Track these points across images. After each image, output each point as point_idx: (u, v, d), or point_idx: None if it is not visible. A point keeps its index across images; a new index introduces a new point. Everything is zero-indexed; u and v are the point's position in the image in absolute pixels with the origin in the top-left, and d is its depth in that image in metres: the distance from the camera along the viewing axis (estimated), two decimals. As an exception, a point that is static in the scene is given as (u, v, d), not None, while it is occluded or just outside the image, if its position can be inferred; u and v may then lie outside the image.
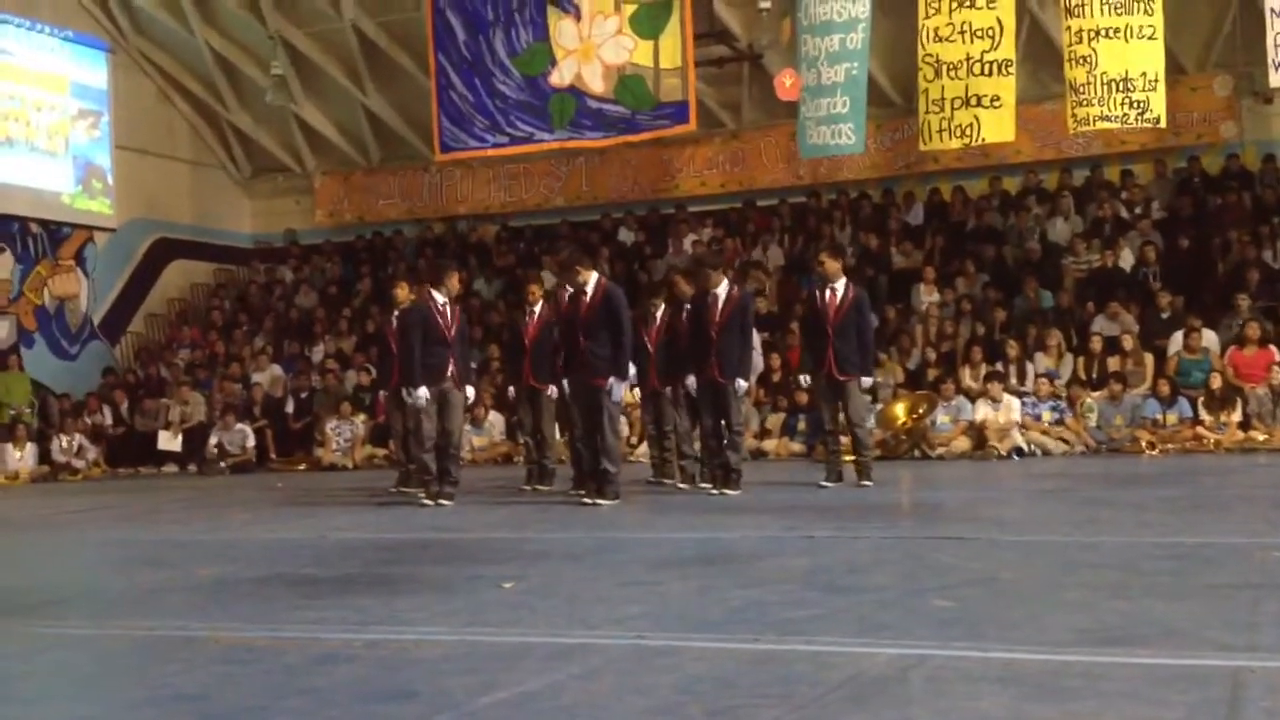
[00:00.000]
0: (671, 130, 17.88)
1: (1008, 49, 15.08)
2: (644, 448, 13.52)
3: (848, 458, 10.94)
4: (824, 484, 10.53)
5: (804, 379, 11.36)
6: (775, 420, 15.67)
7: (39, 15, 19.91)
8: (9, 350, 19.31)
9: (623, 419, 14.25)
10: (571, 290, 10.13)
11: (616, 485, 9.67)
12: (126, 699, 3.99)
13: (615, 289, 10.02)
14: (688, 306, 10.65)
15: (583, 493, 9.92)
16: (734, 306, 10.31)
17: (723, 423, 10.23)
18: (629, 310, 10.08)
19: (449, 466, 10.19)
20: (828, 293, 10.69)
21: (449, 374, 10.14)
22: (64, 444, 17.71)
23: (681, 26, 17.02)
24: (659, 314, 11.30)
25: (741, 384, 10.40)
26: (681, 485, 11.13)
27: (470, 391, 10.59)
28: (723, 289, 10.31)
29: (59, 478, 17.27)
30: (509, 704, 3.64)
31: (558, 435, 12.13)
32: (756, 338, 15.66)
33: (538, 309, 11.31)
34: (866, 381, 10.85)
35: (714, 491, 10.19)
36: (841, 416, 10.81)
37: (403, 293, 11.68)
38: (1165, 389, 14.34)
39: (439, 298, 10.30)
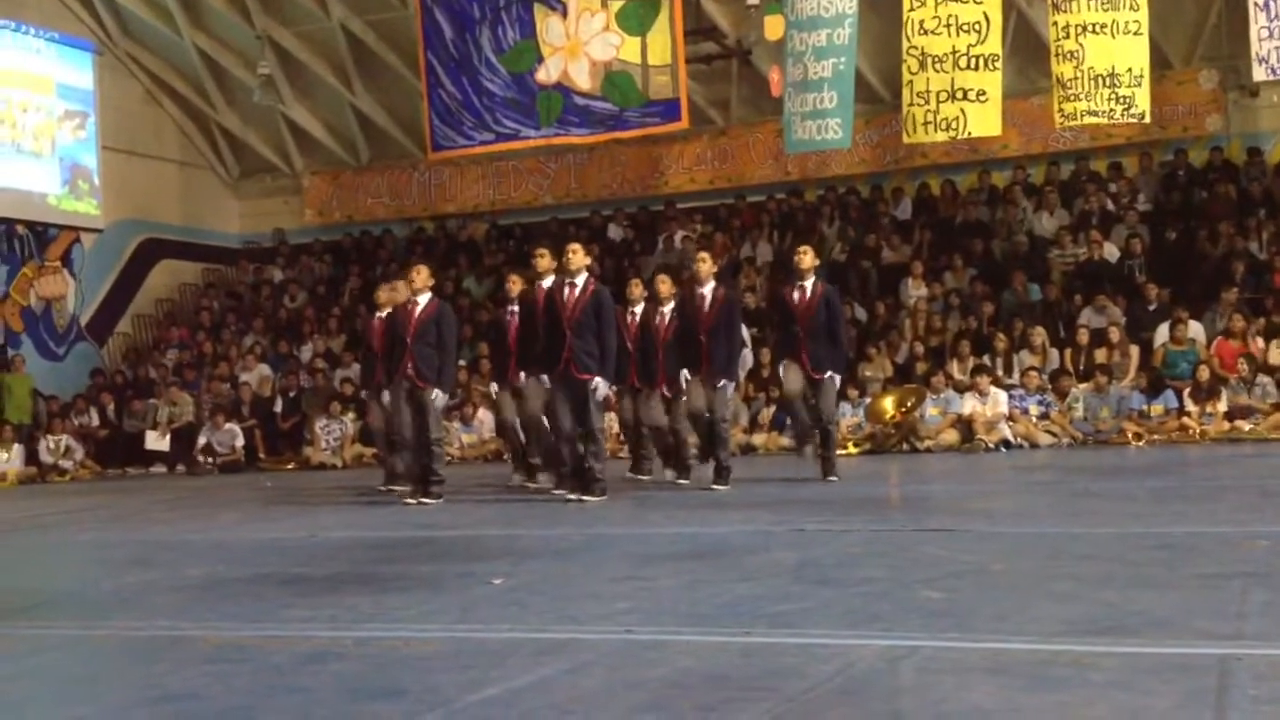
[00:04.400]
0: (662, 128, 17.90)
1: (994, 43, 15.11)
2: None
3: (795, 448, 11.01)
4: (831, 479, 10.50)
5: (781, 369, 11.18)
6: (765, 415, 15.68)
7: (25, 17, 19.84)
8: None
9: (609, 415, 14.30)
10: (555, 283, 9.94)
11: (603, 482, 9.66)
12: (116, 700, 3.98)
13: (603, 289, 9.97)
14: (665, 309, 10.67)
15: (565, 490, 9.88)
16: (720, 307, 10.31)
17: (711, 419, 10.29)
18: (614, 310, 10.06)
19: (430, 465, 10.14)
20: (796, 292, 10.56)
21: (408, 372, 10.04)
22: (51, 445, 17.67)
23: (671, 24, 17.03)
24: (638, 313, 11.22)
25: (729, 385, 10.41)
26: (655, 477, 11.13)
27: (436, 394, 10.06)
28: (709, 289, 10.33)
29: (47, 479, 17.22)
30: (498, 701, 3.63)
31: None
32: (746, 333, 15.80)
33: (517, 306, 11.14)
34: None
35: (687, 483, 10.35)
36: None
37: (384, 295, 11.62)
38: (1151, 380, 14.39)
39: (409, 295, 10.25)
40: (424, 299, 10.18)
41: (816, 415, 10.67)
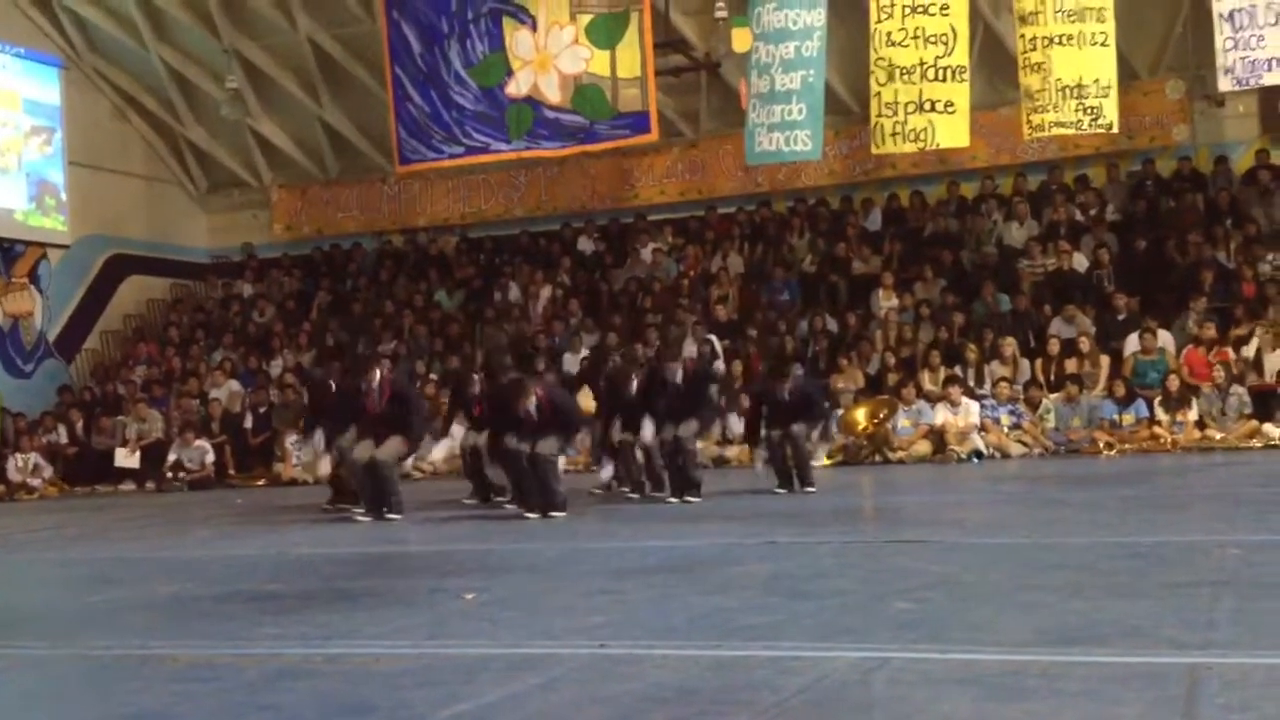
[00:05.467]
0: (632, 140, 17.91)
1: (962, 55, 15.19)
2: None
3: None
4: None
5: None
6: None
7: (-10, 33, 19.73)
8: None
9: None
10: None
11: (562, 497, 9.69)
12: (85, 719, 3.95)
13: (562, 393, 10.54)
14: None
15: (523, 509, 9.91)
16: (693, 371, 10.90)
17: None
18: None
19: (385, 489, 10.20)
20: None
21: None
22: (20, 463, 17.52)
23: (640, 37, 17.04)
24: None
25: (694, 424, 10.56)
26: (632, 495, 11.14)
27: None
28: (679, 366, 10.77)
29: (15, 497, 17.07)
30: (470, 716, 3.62)
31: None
32: (717, 344, 16.03)
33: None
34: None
35: (673, 500, 10.29)
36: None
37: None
38: (1121, 390, 14.47)
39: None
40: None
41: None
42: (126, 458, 17.85)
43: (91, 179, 21.35)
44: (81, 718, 3.98)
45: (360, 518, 10.16)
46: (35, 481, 17.46)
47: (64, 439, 18.68)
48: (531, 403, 9.66)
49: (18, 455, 17.62)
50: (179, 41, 21.01)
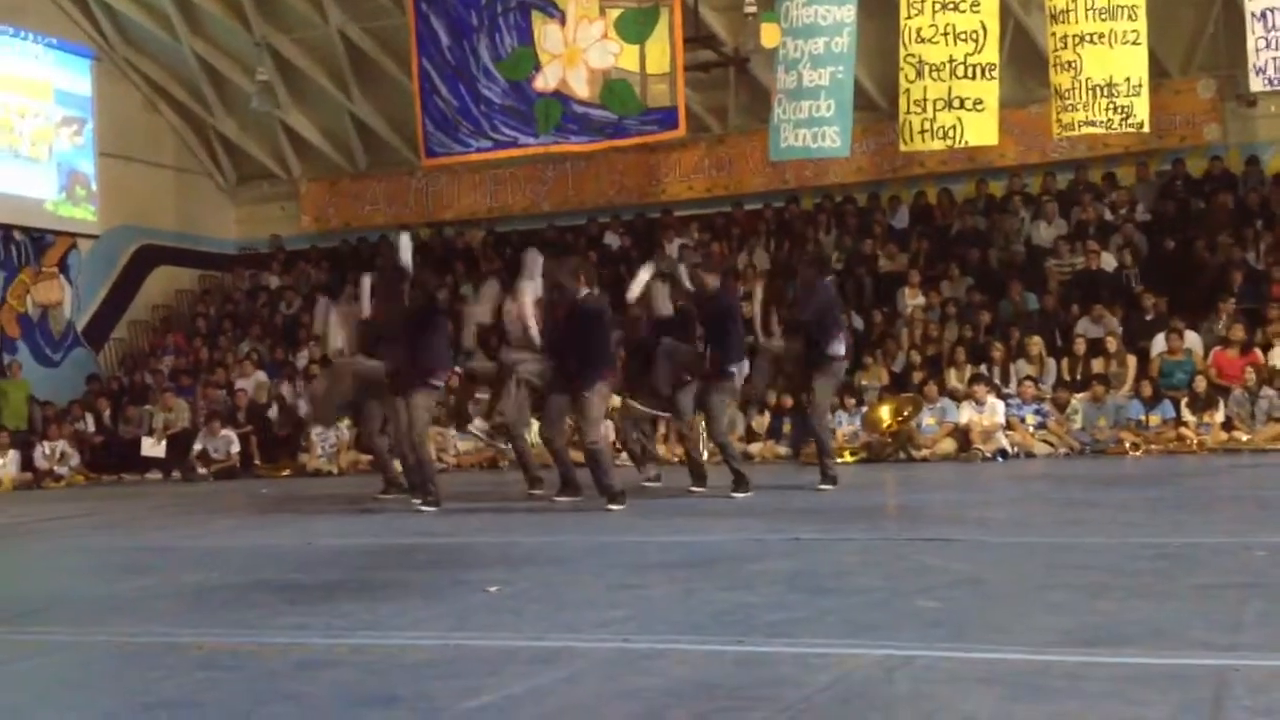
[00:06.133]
0: (660, 136, 17.88)
1: (991, 53, 15.11)
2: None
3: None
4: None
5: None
6: (760, 422, 15.68)
7: (24, 23, 19.84)
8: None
9: (608, 423, 14.27)
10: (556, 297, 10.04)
11: (618, 490, 9.54)
12: (110, 706, 3.97)
13: (600, 302, 10.00)
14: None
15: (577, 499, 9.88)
16: (720, 303, 10.40)
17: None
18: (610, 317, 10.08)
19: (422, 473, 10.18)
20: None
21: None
22: (47, 451, 17.64)
23: (670, 32, 16.99)
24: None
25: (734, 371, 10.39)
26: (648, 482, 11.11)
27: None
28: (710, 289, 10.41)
29: (42, 485, 17.19)
30: (493, 708, 3.63)
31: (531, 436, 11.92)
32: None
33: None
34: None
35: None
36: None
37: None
38: (1148, 390, 14.40)
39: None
40: None
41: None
42: (153, 447, 17.96)
43: (122, 170, 21.49)
44: (107, 704, 4.00)
45: (422, 508, 9.95)
46: (62, 470, 17.57)
47: (91, 428, 18.80)
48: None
49: (45, 443, 17.74)
50: (210, 33, 21.11)
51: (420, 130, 18.50)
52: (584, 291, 9.72)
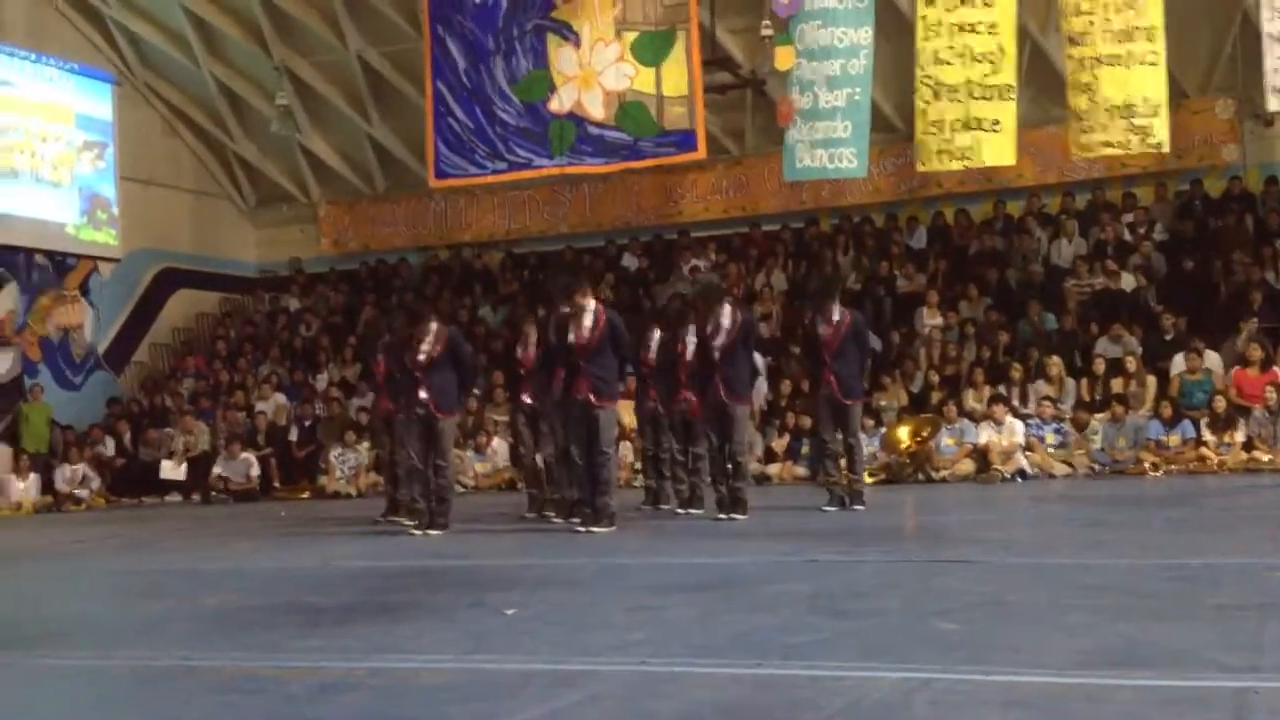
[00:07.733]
0: (679, 158, 17.90)
1: (1009, 74, 15.12)
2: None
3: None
4: (826, 508, 10.50)
5: None
6: (780, 444, 15.66)
7: (45, 48, 20.03)
8: (11, 382, 19.37)
9: (626, 444, 14.28)
10: (569, 312, 10.08)
11: (612, 512, 9.66)
12: (128, 729, 3.98)
13: (615, 315, 10.07)
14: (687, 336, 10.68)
15: (577, 521, 9.87)
16: (738, 329, 10.34)
17: (727, 447, 10.26)
18: (627, 335, 10.14)
19: (440, 495, 10.20)
20: (822, 325, 10.59)
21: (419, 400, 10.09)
22: (68, 474, 17.72)
23: (687, 55, 17.02)
24: (655, 338, 11.28)
25: (743, 407, 10.45)
26: (678, 510, 11.10)
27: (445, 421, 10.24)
28: (726, 314, 10.35)
29: (62, 508, 17.26)
30: (511, 731, 3.63)
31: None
32: (761, 361, 15.75)
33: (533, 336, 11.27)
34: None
35: (721, 516, 10.17)
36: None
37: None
38: (1168, 410, 14.34)
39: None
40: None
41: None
42: (173, 470, 18.03)
43: (142, 193, 21.63)
44: (126, 727, 4.01)
45: (413, 531, 10.11)
46: (83, 493, 17.65)
47: (112, 451, 18.87)
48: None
49: (66, 466, 17.83)
50: (230, 58, 21.26)
51: (431, 150, 18.55)
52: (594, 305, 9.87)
